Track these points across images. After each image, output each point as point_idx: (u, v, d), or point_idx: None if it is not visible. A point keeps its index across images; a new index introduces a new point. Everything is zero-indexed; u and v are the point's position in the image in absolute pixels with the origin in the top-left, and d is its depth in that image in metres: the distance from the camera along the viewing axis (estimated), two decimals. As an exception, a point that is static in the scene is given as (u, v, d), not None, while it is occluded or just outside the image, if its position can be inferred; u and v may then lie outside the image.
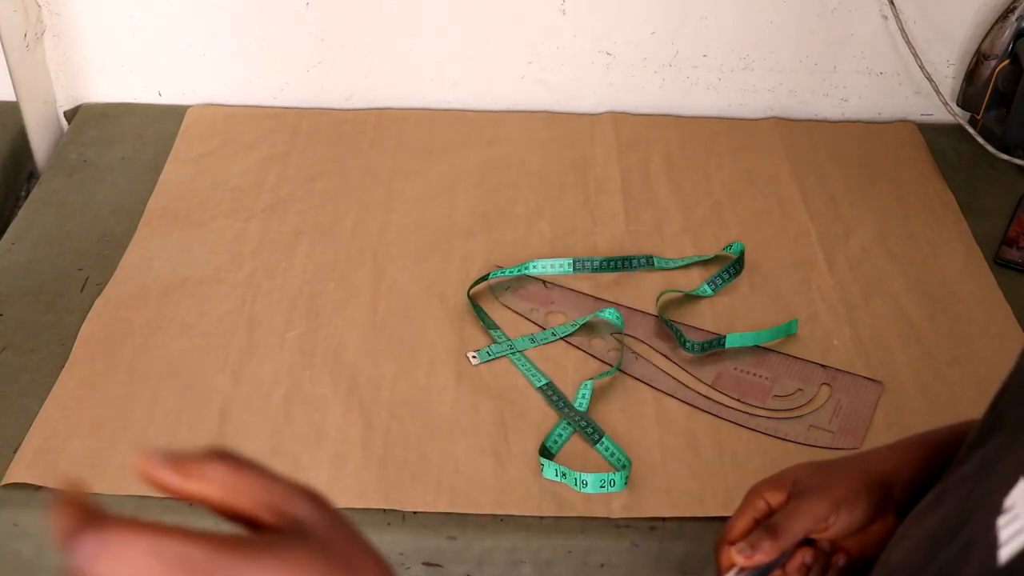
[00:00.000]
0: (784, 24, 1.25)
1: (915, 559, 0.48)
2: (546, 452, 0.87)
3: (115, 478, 0.84)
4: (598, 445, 0.88)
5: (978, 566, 0.42)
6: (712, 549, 0.64)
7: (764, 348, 0.98)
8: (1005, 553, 0.40)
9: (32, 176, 1.23)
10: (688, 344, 0.96)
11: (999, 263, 1.08)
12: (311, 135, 1.24)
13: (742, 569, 0.60)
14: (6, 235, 1.09)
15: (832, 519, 0.58)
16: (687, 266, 1.07)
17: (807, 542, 0.62)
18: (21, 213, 1.12)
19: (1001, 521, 0.42)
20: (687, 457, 0.88)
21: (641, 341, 0.98)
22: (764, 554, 0.58)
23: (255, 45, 1.26)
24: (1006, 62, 1.19)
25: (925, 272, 1.07)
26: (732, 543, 0.60)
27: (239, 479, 0.36)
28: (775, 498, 0.62)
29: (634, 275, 1.06)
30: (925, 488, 0.59)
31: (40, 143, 1.24)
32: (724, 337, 0.97)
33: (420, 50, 1.27)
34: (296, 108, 1.29)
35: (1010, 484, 0.43)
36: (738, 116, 1.30)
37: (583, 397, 0.91)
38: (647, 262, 1.06)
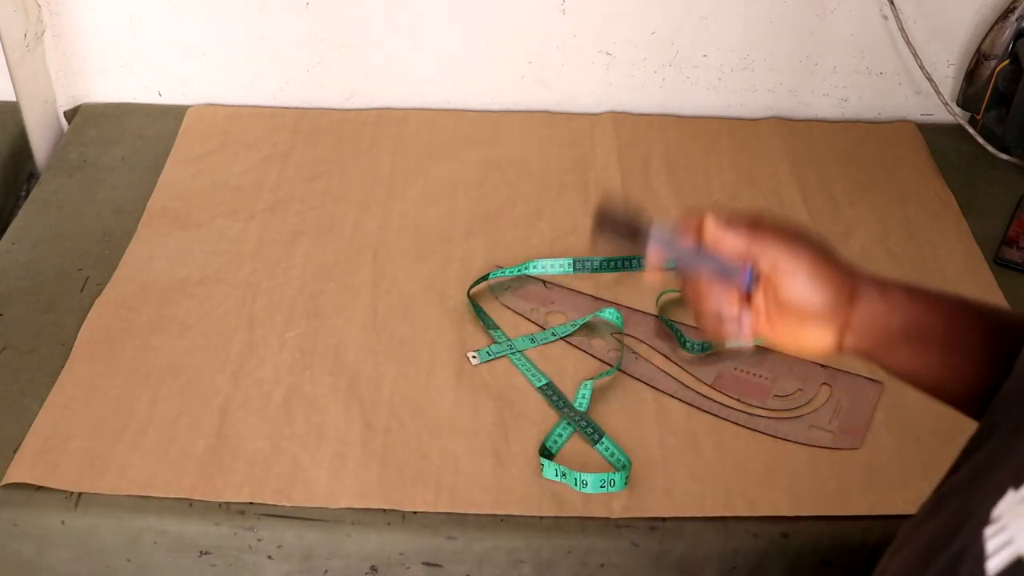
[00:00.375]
0: (784, 24, 1.25)
1: (912, 566, 0.48)
2: (546, 452, 0.87)
3: (115, 478, 0.84)
4: (598, 445, 0.88)
5: None
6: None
7: (764, 348, 0.98)
8: (992, 565, 0.40)
9: (32, 176, 1.23)
10: (688, 344, 0.96)
11: (999, 263, 1.08)
12: (311, 135, 1.24)
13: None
14: (6, 235, 1.09)
15: (800, 276, 0.56)
16: (687, 266, 1.06)
17: None
18: (21, 213, 1.12)
19: (988, 532, 0.41)
20: (687, 457, 0.88)
21: (641, 341, 0.98)
22: (734, 237, 0.57)
23: (255, 45, 1.26)
24: (1006, 62, 1.19)
25: (925, 272, 1.07)
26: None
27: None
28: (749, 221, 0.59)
29: (634, 275, 1.06)
30: (884, 335, 0.57)
31: (40, 143, 1.24)
32: (724, 337, 0.97)
33: (420, 50, 1.27)
34: (296, 108, 1.29)
35: (999, 494, 0.42)
36: (738, 116, 1.30)
37: (583, 397, 0.91)
38: (647, 262, 1.06)
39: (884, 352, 0.58)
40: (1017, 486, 0.42)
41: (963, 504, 0.46)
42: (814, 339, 0.58)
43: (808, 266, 0.56)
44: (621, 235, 0.59)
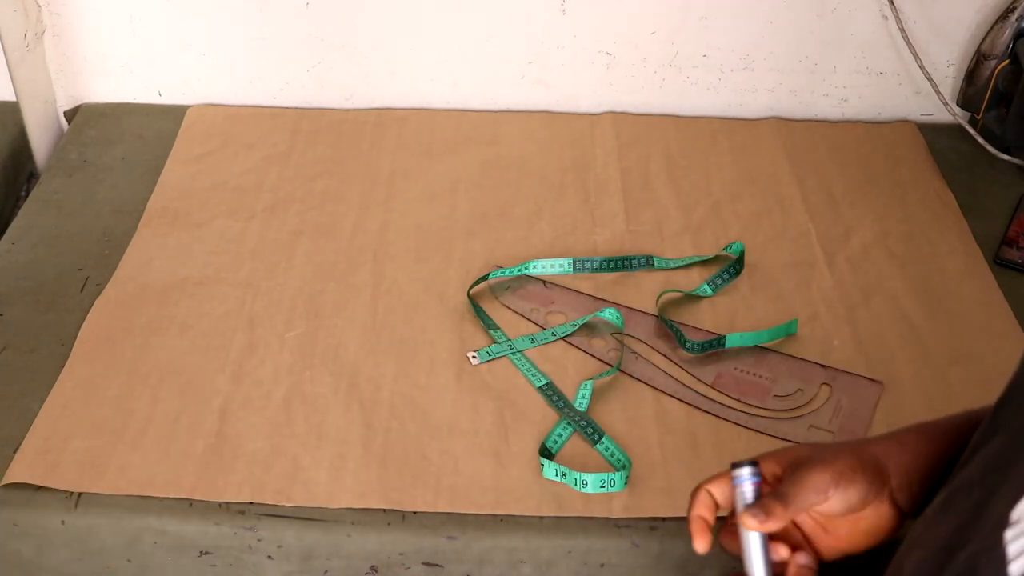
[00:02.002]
0: (784, 24, 1.25)
1: (928, 566, 0.48)
2: (546, 452, 0.87)
3: (115, 478, 0.84)
4: (598, 445, 0.88)
5: None
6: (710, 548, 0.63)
7: (764, 348, 0.98)
8: (1015, 569, 0.40)
9: (32, 176, 1.23)
10: (688, 344, 0.96)
11: (999, 263, 1.08)
12: (311, 135, 1.24)
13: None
14: (6, 235, 1.09)
15: (831, 492, 0.58)
16: (687, 266, 1.07)
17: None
18: (21, 213, 1.12)
19: (1008, 535, 0.41)
20: (687, 457, 0.88)
21: (641, 341, 0.98)
22: (776, 520, 0.58)
23: (255, 45, 1.26)
24: (1006, 62, 1.19)
25: (925, 272, 1.07)
26: (705, 498, 0.60)
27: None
28: (771, 469, 0.61)
29: (634, 275, 1.06)
30: (924, 479, 0.58)
31: (40, 143, 1.24)
32: (724, 337, 0.97)
33: (420, 50, 1.27)
34: (296, 108, 1.29)
35: (1017, 496, 0.42)
36: (738, 116, 1.30)
37: (583, 397, 0.91)
38: (647, 262, 1.06)
39: (934, 491, 0.58)
40: None
41: (978, 503, 0.46)
42: (874, 520, 0.60)
43: (832, 481, 0.58)
44: None
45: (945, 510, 0.50)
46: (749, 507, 0.59)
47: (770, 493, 0.60)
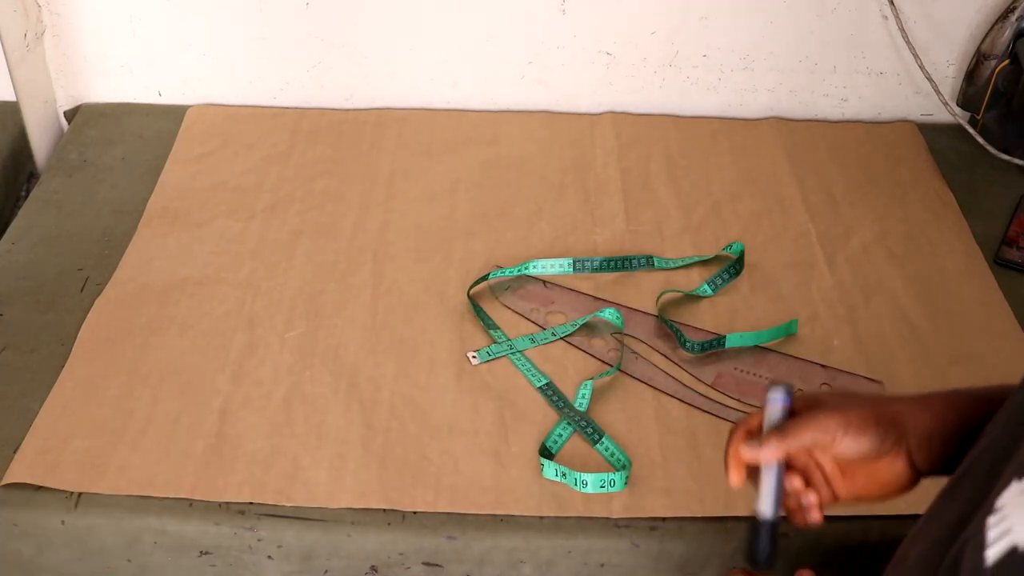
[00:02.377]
0: (784, 24, 1.25)
1: (930, 555, 0.48)
2: (546, 452, 0.87)
3: (115, 478, 0.84)
4: (598, 445, 0.88)
5: (969, 566, 0.42)
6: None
7: (764, 348, 0.98)
8: (991, 554, 0.41)
9: (32, 176, 1.23)
10: (688, 344, 0.96)
11: (999, 263, 1.08)
12: (311, 135, 1.24)
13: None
14: (6, 235, 1.09)
15: (839, 436, 0.60)
16: (687, 266, 1.07)
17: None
18: (21, 213, 1.12)
19: (991, 521, 0.42)
20: (687, 457, 0.88)
21: (641, 341, 0.98)
22: (769, 451, 0.61)
23: (255, 45, 1.26)
24: (1006, 62, 1.19)
25: (925, 272, 1.07)
26: (743, 435, 0.63)
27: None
28: (798, 405, 0.64)
29: (634, 275, 1.06)
30: (945, 443, 0.60)
31: (40, 143, 1.24)
32: (724, 337, 0.97)
33: (420, 50, 1.27)
34: (296, 108, 1.29)
35: (1005, 484, 0.43)
36: (738, 116, 1.30)
37: (583, 397, 0.91)
38: (647, 262, 1.06)
39: (949, 454, 0.60)
40: (1021, 477, 0.42)
41: (979, 490, 0.47)
42: (889, 474, 0.62)
43: (839, 424, 0.60)
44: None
45: (949, 499, 0.51)
46: (747, 443, 0.62)
47: (774, 427, 0.62)
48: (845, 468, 0.63)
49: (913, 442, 0.61)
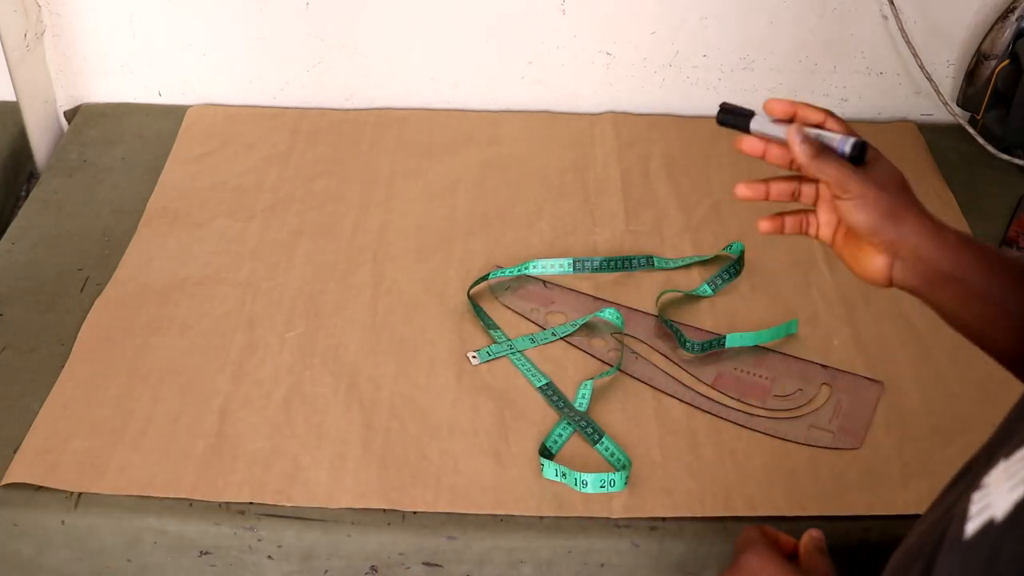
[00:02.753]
0: (784, 24, 1.25)
1: (924, 538, 0.49)
2: (546, 452, 0.87)
3: (115, 478, 0.84)
4: (598, 445, 0.88)
5: (949, 539, 0.43)
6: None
7: (764, 348, 0.98)
8: (971, 528, 0.42)
9: (32, 176, 1.23)
10: (688, 344, 0.96)
11: (999, 263, 1.08)
12: (311, 135, 1.24)
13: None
14: (6, 235, 1.09)
15: (847, 197, 0.64)
16: (687, 266, 1.07)
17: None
18: (21, 213, 1.12)
19: (975, 496, 0.43)
20: (687, 457, 0.88)
21: (641, 341, 0.98)
22: (802, 149, 0.65)
23: (255, 45, 1.26)
24: (1006, 62, 1.19)
25: (925, 272, 1.07)
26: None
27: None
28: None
29: (634, 275, 1.06)
30: (937, 275, 0.63)
31: (40, 143, 1.24)
32: (724, 337, 0.97)
33: (420, 50, 1.27)
34: (296, 108, 1.29)
35: (994, 463, 0.44)
36: (738, 116, 1.30)
37: (583, 397, 0.91)
38: (647, 262, 1.06)
39: (931, 291, 0.64)
40: (1008, 455, 0.43)
41: (970, 475, 0.48)
42: (868, 261, 0.65)
43: (857, 190, 0.64)
44: (737, 116, 0.71)
45: (950, 488, 0.52)
46: (799, 127, 0.66)
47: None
48: (846, 227, 0.67)
49: (903, 253, 0.63)
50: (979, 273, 0.62)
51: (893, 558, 0.53)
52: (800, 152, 0.65)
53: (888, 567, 0.53)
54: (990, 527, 0.40)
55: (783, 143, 0.68)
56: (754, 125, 0.70)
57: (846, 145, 0.66)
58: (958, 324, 0.65)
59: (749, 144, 0.72)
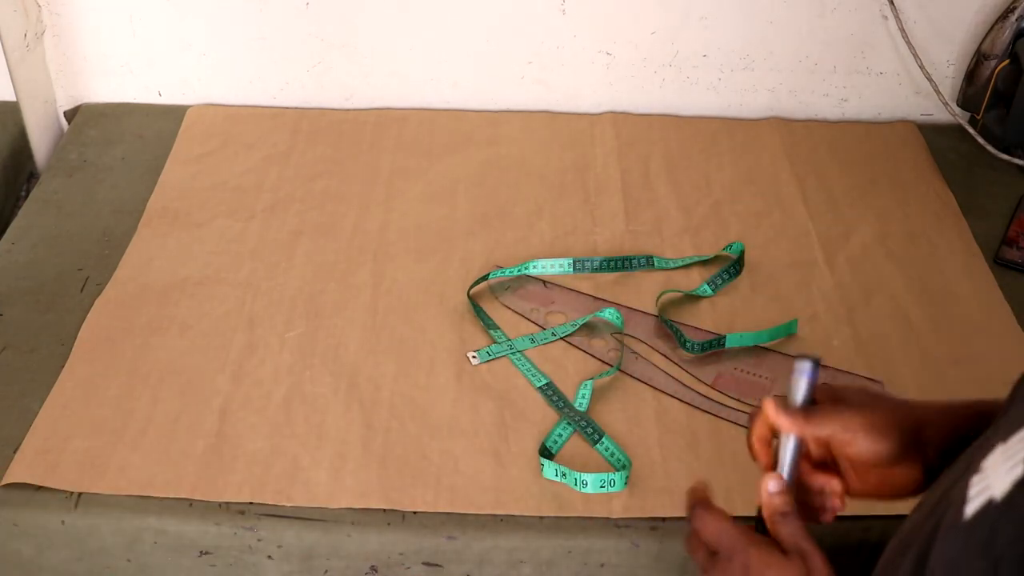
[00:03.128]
0: (784, 24, 1.25)
1: (919, 523, 0.49)
2: (546, 452, 0.87)
3: (115, 478, 0.84)
4: (598, 445, 0.88)
5: (948, 522, 0.43)
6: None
7: (764, 348, 0.98)
8: (970, 509, 0.42)
9: (32, 176, 1.23)
10: (688, 344, 0.96)
11: (999, 263, 1.08)
12: (311, 135, 1.24)
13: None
14: (6, 235, 1.09)
15: (859, 436, 0.60)
16: (687, 266, 1.07)
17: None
18: (21, 213, 1.12)
19: (974, 480, 0.43)
20: (687, 457, 0.88)
21: (641, 341, 0.98)
22: (789, 421, 0.60)
23: (255, 45, 1.26)
24: (1006, 62, 1.19)
25: (925, 272, 1.07)
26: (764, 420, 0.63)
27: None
28: (821, 396, 0.63)
29: (634, 275, 1.06)
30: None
31: (40, 143, 1.24)
32: (724, 337, 0.97)
33: (420, 50, 1.27)
34: (296, 108, 1.29)
35: (990, 449, 0.44)
36: (738, 116, 1.30)
37: (583, 397, 0.91)
38: (647, 262, 1.06)
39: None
40: (1006, 439, 0.43)
41: (964, 460, 0.49)
42: (903, 479, 0.61)
43: (861, 425, 0.60)
44: None
45: (947, 473, 0.52)
46: (776, 402, 0.61)
47: (802, 408, 0.62)
48: (858, 468, 0.62)
49: (932, 451, 0.60)
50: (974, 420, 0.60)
51: (887, 549, 0.53)
52: (791, 424, 0.60)
53: (881, 559, 0.53)
54: (989, 507, 0.41)
55: (794, 455, 0.63)
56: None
57: (803, 368, 0.61)
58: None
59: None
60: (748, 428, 0.64)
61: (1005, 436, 0.44)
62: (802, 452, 0.62)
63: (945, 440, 0.60)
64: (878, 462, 0.60)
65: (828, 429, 0.60)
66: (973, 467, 0.45)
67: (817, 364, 0.62)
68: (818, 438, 0.61)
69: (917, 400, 0.63)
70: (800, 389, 0.62)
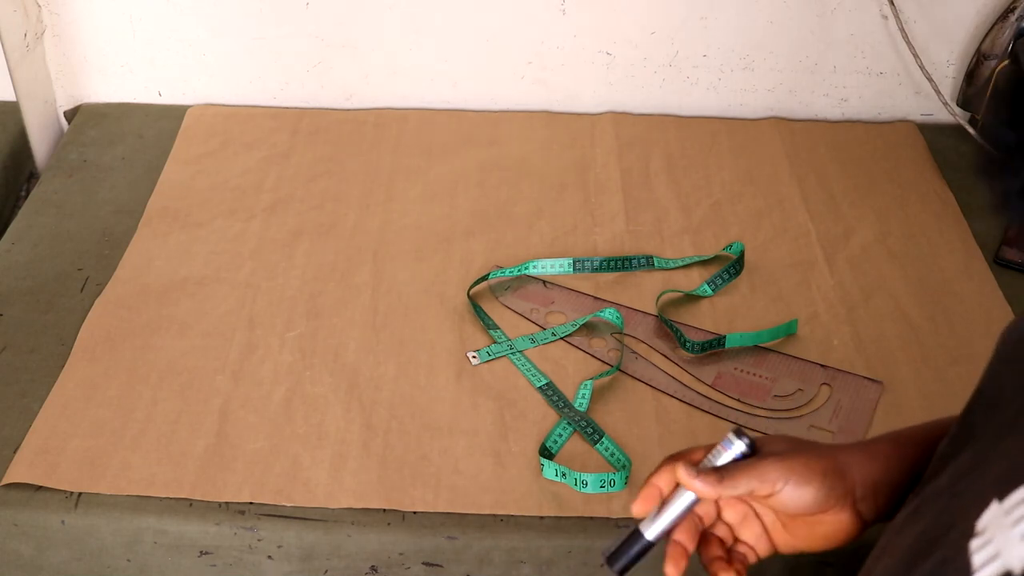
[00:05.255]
0: (784, 24, 1.25)
1: (894, 573, 0.47)
2: (546, 452, 0.87)
3: (115, 478, 0.84)
4: (598, 445, 0.88)
5: None
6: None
7: (764, 348, 0.98)
8: None
9: (32, 176, 1.23)
10: (688, 344, 0.96)
11: (999, 263, 1.08)
12: (311, 135, 1.24)
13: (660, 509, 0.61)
14: (6, 235, 1.09)
15: (780, 486, 0.57)
16: (687, 266, 1.07)
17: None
18: (21, 213, 1.12)
19: (974, 544, 0.41)
20: (687, 457, 0.88)
21: (641, 341, 0.98)
22: (704, 485, 0.57)
23: (255, 45, 1.26)
24: (1006, 62, 1.19)
25: (925, 272, 1.07)
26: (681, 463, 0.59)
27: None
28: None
29: (634, 275, 1.06)
30: (892, 490, 0.58)
31: (40, 143, 1.24)
32: (724, 337, 0.97)
33: (420, 50, 1.27)
34: (296, 108, 1.29)
35: (983, 505, 0.42)
36: (738, 116, 1.30)
37: (583, 397, 0.91)
38: (647, 262, 1.06)
39: (902, 496, 0.57)
40: (1001, 497, 0.41)
41: (945, 511, 0.46)
42: (833, 526, 0.59)
43: (781, 474, 0.57)
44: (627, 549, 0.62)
45: (914, 518, 0.50)
46: (687, 465, 0.59)
47: (717, 467, 0.59)
48: (786, 522, 0.60)
49: (859, 493, 0.58)
50: (927, 452, 0.57)
51: None
52: (705, 487, 0.57)
53: None
54: None
55: (681, 515, 0.60)
56: (649, 535, 0.61)
57: (737, 446, 0.59)
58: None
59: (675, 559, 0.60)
60: (650, 474, 0.61)
61: (1001, 493, 0.41)
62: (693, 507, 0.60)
63: (871, 480, 0.58)
64: (804, 510, 0.58)
65: (744, 484, 0.57)
66: (965, 528, 0.42)
67: (752, 447, 0.60)
68: (735, 496, 0.58)
69: (835, 444, 0.61)
70: (721, 458, 0.60)
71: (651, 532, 0.61)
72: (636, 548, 0.61)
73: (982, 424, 0.49)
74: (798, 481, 0.57)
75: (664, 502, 0.60)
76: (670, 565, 0.60)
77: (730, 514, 0.62)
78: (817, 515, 0.58)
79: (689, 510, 0.60)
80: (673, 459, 0.61)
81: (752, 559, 0.62)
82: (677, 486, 0.60)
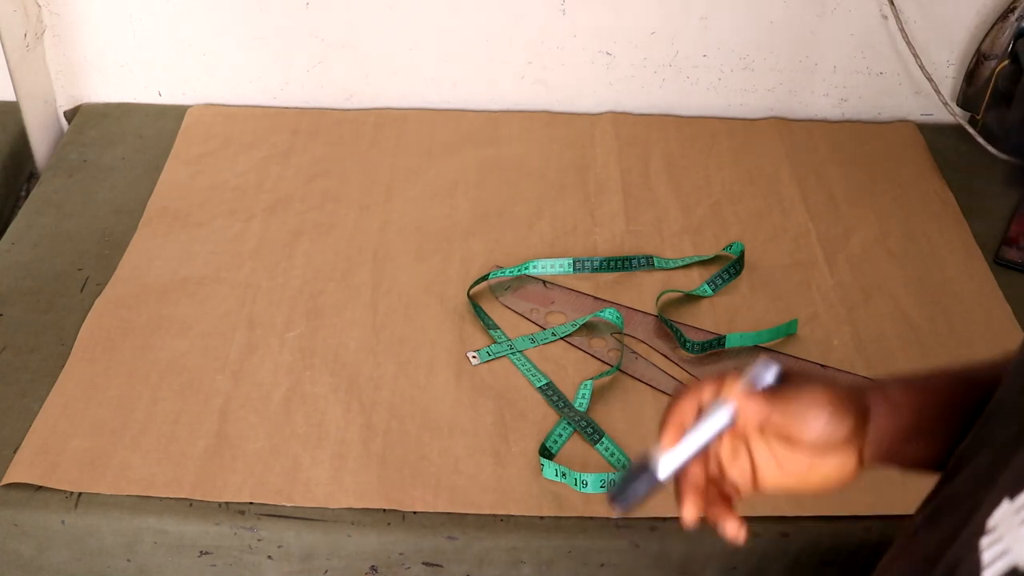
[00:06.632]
0: (784, 24, 1.25)
1: None
2: (546, 452, 0.87)
3: (115, 478, 0.84)
4: (598, 445, 0.88)
5: None
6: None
7: (764, 348, 0.98)
8: (990, 575, 0.40)
9: (32, 176, 1.23)
10: (688, 344, 0.96)
11: (999, 263, 1.08)
12: (311, 135, 1.24)
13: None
14: (6, 235, 1.09)
15: (820, 414, 0.54)
16: (687, 266, 1.07)
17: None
18: (21, 213, 1.12)
19: (984, 542, 0.41)
20: (687, 457, 0.87)
21: (641, 341, 0.98)
22: (754, 407, 0.54)
23: (255, 45, 1.26)
24: (1006, 62, 1.19)
25: (925, 272, 1.07)
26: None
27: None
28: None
29: (634, 275, 1.06)
30: (900, 443, 0.56)
31: (40, 143, 1.24)
32: (724, 337, 0.97)
33: (420, 50, 1.27)
34: (296, 108, 1.29)
35: (995, 504, 0.42)
36: (738, 116, 1.30)
37: (583, 397, 0.91)
38: (647, 262, 1.06)
39: (898, 452, 0.56)
40: (1013, 496, 0.41)
41: (963, 515, 0.46)
42: (836, 469, 0.56)
43: (829, 401, 0.54)
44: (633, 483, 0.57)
45: (933, 522, 0.50)
46: (745, 386, 0.55)
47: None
48: (785, 459, 0.56)
49: (871, 435, 0.56)
50: (933, 409, 0.56)
51: None
52: (760, 408, 0.54)
53: None
54: (1015, 574, 0.39)
55: (699, 450, 0.56)
56: (662, 472, 0.56)
57: (772, 372, 0.56)
58: (926, 467, 0.57)
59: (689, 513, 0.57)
60: (670, 404, 0.57)
61: (1013, 492, 0.41)
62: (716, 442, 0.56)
63: (884, 433, 0.56)
64: (826, 443, 0.54)
65: (795, 406, 0.54)
66: (974, 525, 0.42)
67: (781, 375, 0.56)
68: (780, 419, 0.55)
69: (860, 384, 0.58)
70: (761, 382, 0.56)
71: (665, 470, 0.56)
72: (645, 486, 0.56)
73: (1001, 430, 0.48)
74: (837, 411, 0.54)
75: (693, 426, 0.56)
76: (688, 505, 0.56)
77: (723, 448, 0.58)
78: (826, 452, 0.55)
79: (708, 444, 0.55)
80: (696, 387, 0.57)
81: (735, 499, 0.59)
82: (697, 418, 0.56)
